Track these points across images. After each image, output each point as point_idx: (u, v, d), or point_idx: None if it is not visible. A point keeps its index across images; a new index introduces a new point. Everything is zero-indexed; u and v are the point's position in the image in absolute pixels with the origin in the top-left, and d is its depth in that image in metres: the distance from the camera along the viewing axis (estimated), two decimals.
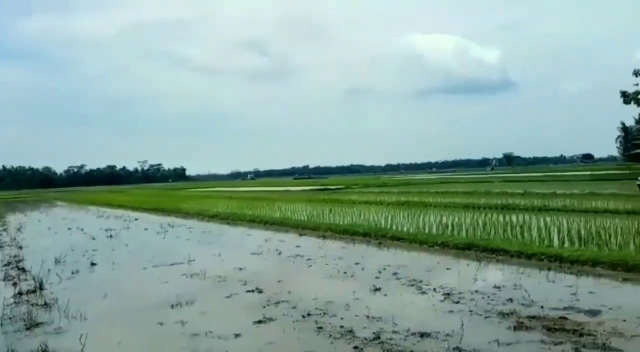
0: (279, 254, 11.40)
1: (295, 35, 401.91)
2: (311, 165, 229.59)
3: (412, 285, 7.72)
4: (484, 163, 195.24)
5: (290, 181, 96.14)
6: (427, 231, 13.05)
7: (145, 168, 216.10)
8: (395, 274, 8.58)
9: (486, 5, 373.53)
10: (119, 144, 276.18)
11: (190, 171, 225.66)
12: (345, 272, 8.93)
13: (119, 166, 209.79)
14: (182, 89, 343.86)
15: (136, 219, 22.68)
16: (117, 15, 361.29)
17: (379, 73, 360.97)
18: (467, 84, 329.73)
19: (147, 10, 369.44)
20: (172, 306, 7.07)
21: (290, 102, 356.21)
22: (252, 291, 7.77)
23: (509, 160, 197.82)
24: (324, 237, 13.84)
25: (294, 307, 6.67)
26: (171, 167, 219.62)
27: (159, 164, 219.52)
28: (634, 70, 45.85)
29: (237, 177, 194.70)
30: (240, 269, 9.61)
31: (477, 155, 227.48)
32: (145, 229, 18.12)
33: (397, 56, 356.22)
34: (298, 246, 12.29)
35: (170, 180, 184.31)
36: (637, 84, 46.01)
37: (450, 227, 12.94)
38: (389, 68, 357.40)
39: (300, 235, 14.53)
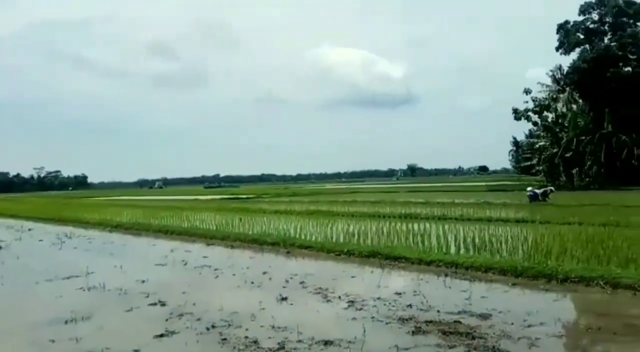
0: (185, 264, 11.12)
1: (206, 42, 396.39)
2: (222, 174, 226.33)
3: (318, 293, 7.84)
4: (390, 174, 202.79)
5: (201, 189, 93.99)
6: (334, 239, 13.32)
7: (42, 175, 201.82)
8: (302, 283, 8.66)
9: (392, 22, 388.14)
10: (12, 150, 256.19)
11: (92, 179, 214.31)
12: (252, 282, 8.88)
13: (12, 173, 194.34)
14: (85, 92, 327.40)
15: (30, 230, 21.11)
16: (13, 13, 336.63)
17: (290, 83, 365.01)
18: (375, 97, 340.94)
19: (47, 9, 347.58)
20: (65, 322, 6.66)
21: (201, 109, 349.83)
22: (155, 303, 7.51)
23: (413, 171, 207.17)
24: (232, 246, 13.68)
25: (198, 319, 6.53)
26: (71, 175, 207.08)
27: (58, 171, 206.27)
28: (524, 89, 49.91)
29: (144, 185, 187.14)
30: (143, 281, 9.25)
31: (383, 166, 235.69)
32: (40, 240, 16.92)
33: (308, 67, 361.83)
34: (205, 256, 12.06)
35: (70, 188, 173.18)
36: (526, 102, 50.08)
37: (356, 236, 13.29)
38: (300, 79, 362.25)
39: (208, 245, 14.26)
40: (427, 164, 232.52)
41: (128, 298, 7.96)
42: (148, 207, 30.28)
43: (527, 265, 8.75)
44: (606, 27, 45.91)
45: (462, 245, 11.33)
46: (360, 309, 6.82)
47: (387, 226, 14.64)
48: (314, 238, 13.73)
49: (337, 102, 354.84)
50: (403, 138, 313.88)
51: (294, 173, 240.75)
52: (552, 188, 27.74)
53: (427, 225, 14.81)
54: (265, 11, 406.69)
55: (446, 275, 8.91)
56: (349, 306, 7.04)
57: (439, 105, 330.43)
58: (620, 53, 43.66)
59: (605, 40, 45.49)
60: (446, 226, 14.08)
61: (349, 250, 11.39)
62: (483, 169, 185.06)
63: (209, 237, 15.33)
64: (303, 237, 14.03)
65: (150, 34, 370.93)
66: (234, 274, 9.70)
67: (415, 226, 14.37)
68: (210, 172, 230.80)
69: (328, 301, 7.40)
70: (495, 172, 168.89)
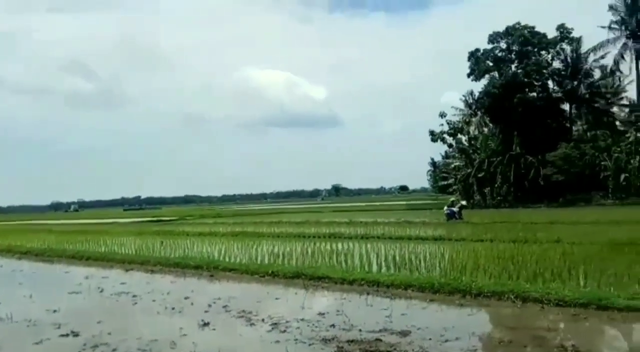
0: (101, 291, 10.62)
1: (128, 61, 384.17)
2: (143, 196, 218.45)
3: (242, 317, 7.76)
4: (315, 194, 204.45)
5: (120, 212, 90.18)
6: (259, 261, 13.24)
7: None
8: (225, 306, 8.54)
9: (315, 47, 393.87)
10: None
11: (1, 202, 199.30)
12: (173, 308, 8.64)
13: None
14: None
15: None
16: None
17: (216, 103, 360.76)
18: (300, 118, 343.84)
19: None
20: None
21: (121, 128, 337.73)
22: (67, 334, 7.10)
23: (337, 191, 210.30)
24: (152, 271, 13.23)
25: (114, 350, 6.26)
26: None
27: None
28: (440, 112, 52.58)
29: (58, 208, 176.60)
30: (55, 311, 8.74)
31: (309, 186, 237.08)
32: None
33: (233, 88, 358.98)
34: (123, 283, 11.57)
35: None
36: (442, 125, 52.72)
37: (281, 257, 13.30)
38: (225, 99, 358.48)
39: (127, 270, 13.70)
40: (351, 184, 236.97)
41: (37, 329, 7.49)
42: (62, 232, 28.64)
43: (443, 281, 9.11)
44: (513, 56, 49.05)
45: (383, 263, 11.64)
46: (284, 331, 6.82)
47: (311, 246, 14.77)
48: (238, 260, 13.58)
49: (263, 123, 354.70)
50: (328, 159, 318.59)
51: (219, 194, 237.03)
52: (464, 203, 29.48)
53: (351, 244, 15.12)
54: (189, 32, 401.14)
55: (368, 293, 9.11)
56: (272, 328, 7.02)
57: (362, 127, 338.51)
58: (526, 80, 46.84)
59: (513, 68, 48.62)
60: (369, 245, 14.40)
61: (274, 271, 11.36)
62: (404, 189, 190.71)
63: (128, 262, 14.74)
64: (227, 259, 13.84)
65: (68, 51, 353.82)
66: (153, 300, 9.39)
67: (339, 246, 14.64)
68: (130, 194, 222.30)
69: (251, 324, 7.34)
70: (415, 191, 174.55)
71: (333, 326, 6.98)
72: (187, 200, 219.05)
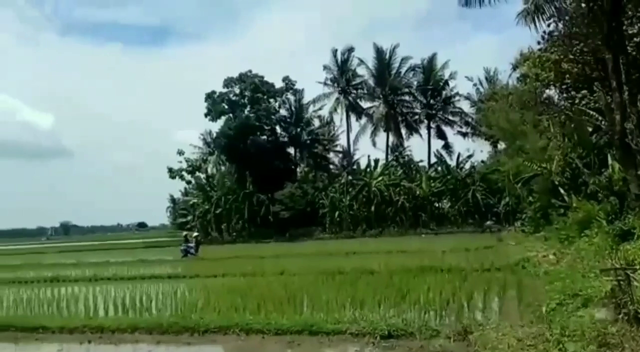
0: None
1: None
2: None
3: None
4: (40, 232, 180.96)
5: None
6: None
7: None
8: None
9: (44, 71, 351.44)
10: None
11: None
12: None
13: None
14: None
15: None
16: None
17: None
18: (18, 149, 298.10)
19: None
20: None
21: None
22: None
23: (66, 229, 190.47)
24: None
25: None
26: None
27: None
28: (178, 150, 53.02)
29: None
30: None
31: (32, 224, 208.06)
32: None
33: None
34: None
35: None
36: (180, 162, 53.12)
37: None
38: None
39: None
40: (83, 222, 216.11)
41: None
42: None
43: (172, 321, 9.11)
44: (246, 100, 52.63)
45: (111, 307, 11.11)
46: None
47: (28, 292, 13.32)
48: None
49: None
50: (55, 194, 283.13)
51: None
52: (196, 234, 30.85)
53: (77, 288, 14.10)
54: None
55: (90, 341, 8.58)
56: None
57: (95, 160, 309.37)
58: (257, 123, 50.69)
59: (246, 112, 52.08)
60: (97, 288, 13.69)
61: None
62: (142, 226, 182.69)
63: None
64: None
65: None
66: None
67: (63, 290, 13.53)
68: None
69: None
70: (154, 228, 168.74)
71: None
72: None
